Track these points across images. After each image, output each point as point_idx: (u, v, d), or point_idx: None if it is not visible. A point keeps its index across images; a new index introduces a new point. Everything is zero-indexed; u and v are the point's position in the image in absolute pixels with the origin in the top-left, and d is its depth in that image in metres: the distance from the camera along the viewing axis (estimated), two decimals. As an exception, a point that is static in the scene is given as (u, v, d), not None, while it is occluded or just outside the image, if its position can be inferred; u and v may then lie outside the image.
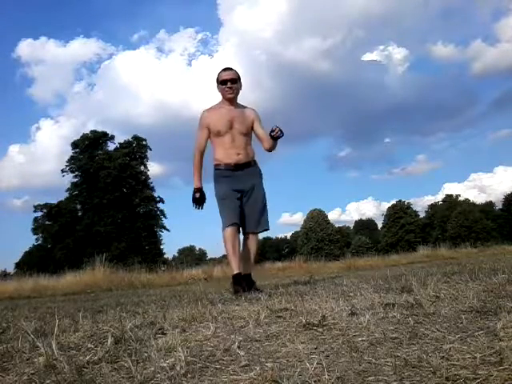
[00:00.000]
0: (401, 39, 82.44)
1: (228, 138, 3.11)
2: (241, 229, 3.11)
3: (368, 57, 75.39)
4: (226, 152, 3.11)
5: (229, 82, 3.11)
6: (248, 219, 3.09)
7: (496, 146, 73.24)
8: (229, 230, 2.99)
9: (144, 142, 33.79)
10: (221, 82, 3.13)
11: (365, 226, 58.84)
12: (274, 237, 62.70)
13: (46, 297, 6.94)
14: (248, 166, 3.14)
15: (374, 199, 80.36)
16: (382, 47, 79.21)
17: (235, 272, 2.95)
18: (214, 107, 3.21)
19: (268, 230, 3.19)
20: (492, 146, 74.02)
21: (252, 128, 3.20)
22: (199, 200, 3.16)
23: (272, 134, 3.04)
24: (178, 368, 0.86)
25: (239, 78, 3.18)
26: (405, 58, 71.88)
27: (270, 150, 3.22)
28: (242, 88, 3.23)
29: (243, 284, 2.86)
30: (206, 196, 3.20)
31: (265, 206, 3.20)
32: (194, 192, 3.15)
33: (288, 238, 61.94)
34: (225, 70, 3.18)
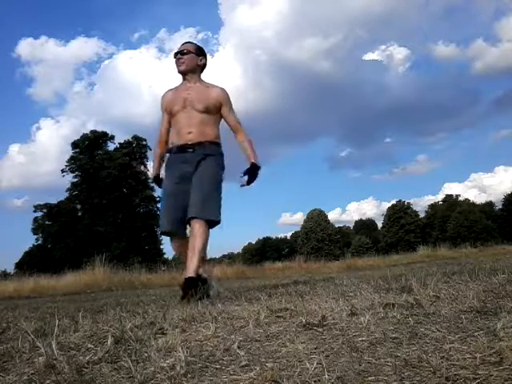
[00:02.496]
0: (402, 39, 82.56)
1: (182, 117, 2.76)
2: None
3: (369, 56, 75.49)
4: (178, 132, 2.75)
5: (178, 54, 2.82)
6: (190, 202, 2.56)
7: (496, 145, 73.37)
8: (169, 238, 2.73)
9: (144, 142, 33.78)
10: (174, 55, 2.85)
11: (365, 226, 58.86)
12: (273, 237, 62.73)
13: (46, 297, 6.93)
14: (201, 147, 2.69)
15: (374, 199, 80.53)
16: (383, 47, 79.27)
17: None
18: (175, 87, 2.91)
19: (216, 223, 2.61)
20: (492, 145, 74.15)
21: (219, 110, 2.79)
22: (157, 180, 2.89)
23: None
24: (177, 368, 0.86)
25: (198, 52, 2.85)
26: (406, 57, 71.99)
27: (245, 144, 2.81)
28: (205, 66, 2.86)
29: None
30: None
31: (213, 190, 2.64)
32: (153, 182, 2.95)
33: (288, 238, 61.97)
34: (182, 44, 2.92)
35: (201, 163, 2.67)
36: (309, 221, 46.02)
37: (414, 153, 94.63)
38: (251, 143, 2.82)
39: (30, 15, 66.80)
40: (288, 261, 15.37)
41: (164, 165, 2.82)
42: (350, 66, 68.45)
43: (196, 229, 2.52)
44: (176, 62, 2.82)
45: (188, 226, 2.62)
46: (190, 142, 2.68)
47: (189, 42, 2.92)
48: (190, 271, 2.45)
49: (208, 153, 2.70)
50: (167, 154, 2.83)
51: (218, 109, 2.78)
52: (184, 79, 2.84)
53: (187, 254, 2.50)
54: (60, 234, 31.27)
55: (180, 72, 2.82)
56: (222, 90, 2.83)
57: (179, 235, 2.68)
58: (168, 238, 2.73)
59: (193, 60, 2.82)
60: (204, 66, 2.89)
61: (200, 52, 2.87)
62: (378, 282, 2.46)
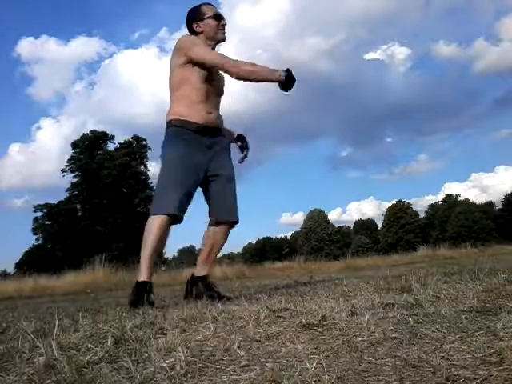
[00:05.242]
0: (403, 38, 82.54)
1: (209, 86, 2.36)
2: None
3: (370, 56, 75.51)
4: (192, 106, 2.31)
5: (223, 20, 2.42)
6: (219, 204, 2.37)
7: (497, 145, 73.44)
8: (164, 219, 2.19)
9: (144, 142, 33.80)
10: (214, 17, 2.39)
11: (365, 226, 58.84)
12: (273, 237, 62.72)
13: (46, 297, 6.93)
14: (219, 134, 2.43)
15: (375, 199, 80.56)
16: (384, 47, 79.35)
17: (144, 279, 2.22)
18: None
19: (237, 223, 2.48)
20: (493, 145, 74.17)
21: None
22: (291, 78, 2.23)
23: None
24: (177, 368, 0.86)
25: None
26: (407, 57, 72.04)
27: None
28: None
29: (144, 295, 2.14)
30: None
31: (235, 191, 2.46)
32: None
33: (288, 238, 61.97)
34: (209, 4, 2.46)
35: (225, 158, 2.45)
36: (309, 221, 46.05)
37: (415, 153, 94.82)
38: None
39: (30, 14, 66.91)
40: (288, 261, 15.35)
41: (169, 137, 2.36)
42: (352, 65, 68.58)
43: (225, 228, 2.41)
44: (220, 28, 2.42)
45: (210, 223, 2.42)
46: (210, 125, 2.36)
47: None
48: (206, 269, 2.42)
49: (225, 144, 2.48)
50: (170, 127, 2.34)
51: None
52: (212, 48, 2.43)
53: (207, 250, 2.40)
54: (60, 233, 31.27)
55: (222, 40, 2.46)
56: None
57: (177, 223, 2.30)
58: (159, 220, 2.20)
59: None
60: None
61: None
62: (378, 282, 2.46)
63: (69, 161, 33.00)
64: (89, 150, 32.79)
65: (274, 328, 1.20)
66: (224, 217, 2.39)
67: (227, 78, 2.44)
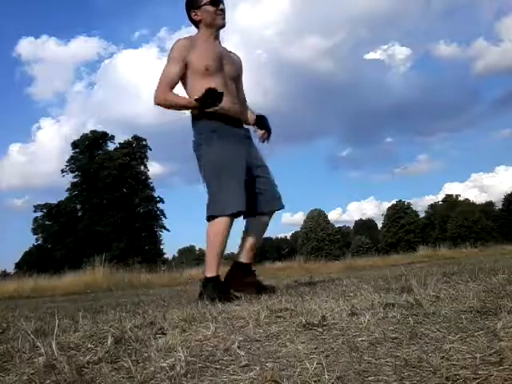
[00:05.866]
0: (403, 38, 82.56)
1: (219, 81, 2.26)
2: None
3: (370, 56, 75.56)
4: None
5: (221, 4, 2.33)
6: (262, 194, 2.37)
7: (497, 145, 73.43)
8: (229, 220, 2.21)
9: (144, 142, 33.82)
10: (211, 3, 2.30)
11: (365, 226, 58.85)
12: (273, 237, 62.71)
13: (46, 297, 6.93)
14: (243, 124, 2.44)
15: (375, 199, 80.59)
16: (384, 47, 79.37)
17: (213, 275, 2.24)
18: (193, 37, 2.38)
19: (283, 207, 2.49)
20: (493, 145, 74.18)
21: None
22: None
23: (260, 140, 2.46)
24: (178, 368, 0.86)
25: None
26: (407, 57, 72.06)
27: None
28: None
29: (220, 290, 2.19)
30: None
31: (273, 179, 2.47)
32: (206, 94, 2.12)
33: (288, 238, 61.98)
34: None
35: (252, 145, 2.42)
36: (309, 221, 46.04)
37: (415, 153, 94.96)
38: None
39: (30, 14, 66.91)
40: (288, 261, 15.36)
41: (209, 134, 2.26)
42: (352, 65, 68.60)
43: (266, 218, 2.42)
44: (218, 13, 2.33)
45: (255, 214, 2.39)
46: (240, 117, 2.37)
47: None
48: (248, 258, 2.42)
49: (250, 134, 2.45)
50: (214, 123, 2.25)
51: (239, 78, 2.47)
52: (213, 36, 2.37)
53: (250, 240, 2.39)
54: (60, 233, 31.28)
55: (221, 26, 2.38)
56: (240, 58, 2.53)
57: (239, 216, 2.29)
58: (226, 221, 2.20)
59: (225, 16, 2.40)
60: None
61: None
62: (378, 281, 2.46)
63: (69, 161, 33.06)
64: (89, 150, 32.80)
65: (273, 328, 1.20)
66: (267, 207, 2.40)
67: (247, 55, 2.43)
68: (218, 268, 2.27)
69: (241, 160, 2.27)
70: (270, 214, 2.46)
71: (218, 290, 2.21)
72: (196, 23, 2.40)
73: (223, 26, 2.39)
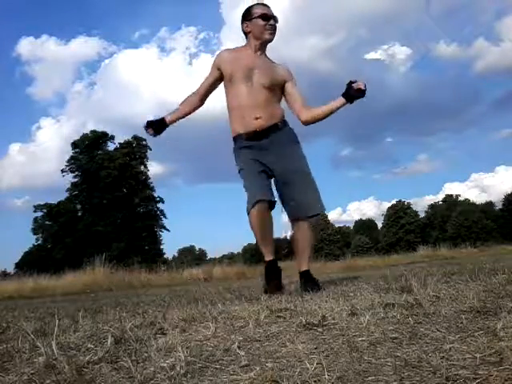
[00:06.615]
0: (404, 38, 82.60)
1: (244, 90, 2.43)
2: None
3: (371, 56, 75.58)
4: (241, 115, 2.43)
5: (272, 20, 2.47)
6: (290, 202, 2.45)
7: (497, 145, 73.42)
8: (254, 211, 2.33)
9: (144, 142, 33.76)
10: (261, 17, 2.45)
11: (365, 226, 58.84)
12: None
13: (46, 297, 6.93)
14: (275, 131, 2.45)
15: (375, 199, 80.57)
16: (385, 46, 79.36)
17: (268, 259, 2.43)
18: (237, 48, 2.58)
19: (323, 211, 2.48)
20: (493, 145, 74.17)
21: (282, 88, 2.52)
22: (152, 123, 2.58)
23: (353, 86, 2.31)
24: (178, 368, 0.86)
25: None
26: (408, 57, 72.06)
27: (312, 121, 2.53)
28: None
29: (274, 277, 2.41)
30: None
31: (311, 179, 2.47)
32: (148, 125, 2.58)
33: (288, 237, 61.88)
34: (262, 4, 2.51)
35: (286, 153, 2.45)
36: (309, 221, 45.98)
37: (415, 152, 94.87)
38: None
39: (30, 14, 66.91)
40: (288, 261, 15.34)
41: (234, 152, 2.52)
42: (352, 65, 68.49)
43: (302, 225, 2.44)
44: (267, 28, 2.46)
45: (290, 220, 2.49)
46: (262, 129, 2.41)
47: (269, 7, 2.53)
48: (302, 265, 2.49)
49: (285, 137, 2.47)
50: (234, 143, 2.51)
51: (283, 87, 2.52)
52: (252, 46, 2.51)
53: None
54: (60, 234, 31.27)
55: (268, 41, 2.50)
56: (288, 69, 2.59)
57: (267, 203, 2.37)
58: (251, 212, 2.34)
59: (276, 31, 2.50)
60: None
61: None
62: (378, 281, 2.46)
63: (69, 161, 33.03)
64: (89, 149, 32.78)
65: (273, 328, 1.20)
66: (295, 214, 2.46)
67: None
68: (268, 253, 2.44)
69: (250, 166, 2.43)
70: (306, 219, 2.44)
71: (266, 274, 2.47)
72: (246, 34, 2.55)
73: (270, 40, 2.51)
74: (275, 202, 2.42)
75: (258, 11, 2.47)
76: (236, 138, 2.50)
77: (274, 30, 2.48)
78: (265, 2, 2.55)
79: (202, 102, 2.63)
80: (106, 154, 32.86)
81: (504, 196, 49.11)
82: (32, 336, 1.21)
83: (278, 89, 2.52)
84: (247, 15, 2.51)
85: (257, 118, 2.41)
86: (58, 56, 60.73)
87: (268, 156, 2.43)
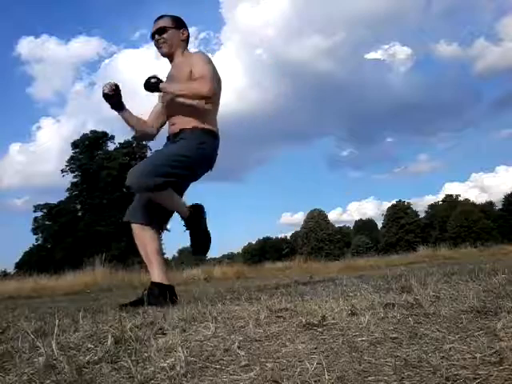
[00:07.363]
0: (404, 38, 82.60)
1: (163, 106, 2.55)
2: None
3: (371, 56, 75.56)
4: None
5: (156, 35, 2.43)
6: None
7: (497, 145, 73.37)
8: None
9: (144, 142, 33.74)
10: (152, 37, 2.46)
11: (365, 226, 58.82)
12: (273, 237, 62.67)
13: (46, 297, 6.93)
14: (176, 136, 2.40)
15: (375, 199, 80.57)
16: (385, 46, 79.32)
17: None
18: None
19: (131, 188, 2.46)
20: (493, 145, 74.14)
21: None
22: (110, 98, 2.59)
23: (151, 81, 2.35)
24: (177, 368, 0.86)
25: (178, 25, 2.46)
26: (408, 57, 72.01)
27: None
28: (188, 38, 2.51)
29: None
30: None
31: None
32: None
33: (288, 237, 61.88)
34: (155, 21, 2.48)
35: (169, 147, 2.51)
36: (309, 221, 46.05)
37: (415, 152, 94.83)
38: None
39: (30, 14, 66.97)
40: (288, 261, 15.33)
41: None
42: (352, 65, 68.56)
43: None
44: (156, 45, 2.46)
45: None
46: (173, 133, 2.43)
47: (163, 16, 2.48)
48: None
49: (182, 139, 2.37)
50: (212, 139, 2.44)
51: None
52: (171, 61, 2.50)
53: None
54: (60, 234, 31.26)
55: (164, 55, 2.48)
56: (197, 55, 2.43)
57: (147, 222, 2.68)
58: None
59: (175, 36, 2.44)
60: (187, 38, 2.52)
61: (180, 24, 2.49)
62: (378, 281, 2.46)
63: (69, 161, 33.06)
64: (89, 149, 32.80)
65: (273, 328, 1.20)
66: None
67: None
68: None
69: None
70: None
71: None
72: None
73: (162, 54, 2.50)
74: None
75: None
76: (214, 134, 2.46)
77: (160, 44, 2.45)
78: (160, 15, 2.51)
79: (158, 130, 2.69)
80: (105, 154, 32.87)
81: (504, 196, 49.13)
82: (32, 336, 1.21)
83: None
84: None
85: (173, 124, 2.48)
86: (57, 56, 60.80)
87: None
